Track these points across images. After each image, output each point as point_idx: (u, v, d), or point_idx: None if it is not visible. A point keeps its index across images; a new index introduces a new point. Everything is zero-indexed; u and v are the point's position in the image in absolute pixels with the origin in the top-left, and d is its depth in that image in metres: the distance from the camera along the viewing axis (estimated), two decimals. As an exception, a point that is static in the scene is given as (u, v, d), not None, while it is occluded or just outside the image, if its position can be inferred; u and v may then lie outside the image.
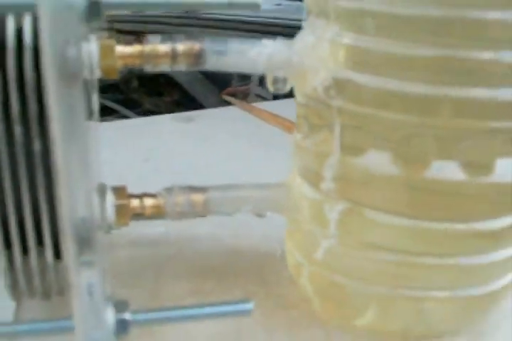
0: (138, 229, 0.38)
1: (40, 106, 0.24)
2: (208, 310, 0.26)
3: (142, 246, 0.37)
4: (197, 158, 0.51)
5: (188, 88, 1.13)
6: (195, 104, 1.02)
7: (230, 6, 0.22)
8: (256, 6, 0.22)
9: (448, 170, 0.25)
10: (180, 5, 0.22)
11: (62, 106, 0.20)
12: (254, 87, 0.95)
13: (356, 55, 0.26)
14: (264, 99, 0.90)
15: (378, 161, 0.26)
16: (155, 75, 1.22)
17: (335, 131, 0.27)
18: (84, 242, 0.23)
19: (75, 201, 0.22)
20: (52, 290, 0.28)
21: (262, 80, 0.96)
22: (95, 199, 0.26)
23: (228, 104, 0.73)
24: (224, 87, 1.00)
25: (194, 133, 0.58)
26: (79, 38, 0.22)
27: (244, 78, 1.02)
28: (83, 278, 0.23)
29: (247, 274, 0.35)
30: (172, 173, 0.47)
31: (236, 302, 0.26)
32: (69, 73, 0.21)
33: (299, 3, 1.05)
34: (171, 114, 0.63)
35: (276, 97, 0.89)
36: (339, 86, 0.26)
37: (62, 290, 0.28)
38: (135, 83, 1.25)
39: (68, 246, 0.22)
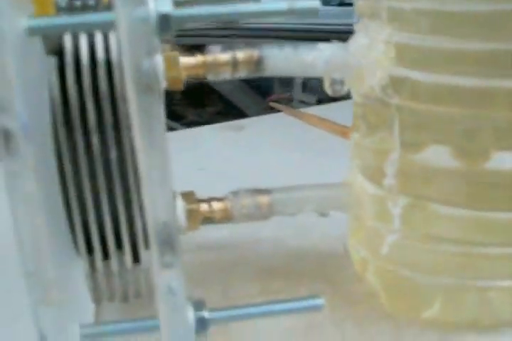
0: (202, 233, 0.40)
1: (114, 116, 0.25)
2: (280, 306, 0.27)
3: (208, 250, 0.38)
4: (250, 165, 0.52)
5: (230, 97, 1.14)
6: (239, 114, 1.04)
7: (290, 12, 0.23)
8: (315, 12, 0.23)
9: (508, 161, 0.26)
10: (243, 14, 0.23)
11: (143, 116, 0.22)
12: (297, 93, 0.96)
13: (410, 53, 0.27)
14: (307, 104, 0.92)
15: (439, 155, 0.27)
16: (198, 86, 1.24)
17: (394, 128, 0.27)
18: (167, 245, 0.24)
19: (157, 206, 0.23)
20: (131, 292, 0.29)
21: (304, 86, 0.98)
22: (175, 203, 0.27)
23: (273, 111, 0.74)
24: (266, 95, 1.02)
25: (245, 141, 0.59)
26: (153, 50, 0.23)
27: (287, 85, 1.03)
28: (166, 279, 0.24)
29: (312, 273, 0.35)
30: (228, 181, 0.48)
31: (307, 299, 0.27)
32: (146, 84, 0.22)
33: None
34: (221, 124, 0.64)
35: (320, 102, 0.90)
36: (396, 84, 0.27)
37: (140, 292, 0.30)
38: (178, 95, 1.27)
39: (152, 249, 0.23)
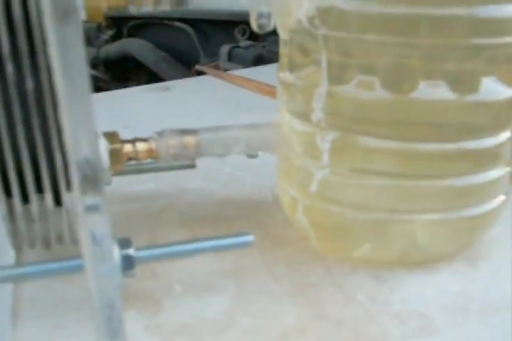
0: (128, 186, 0.39)
1: (30, 44, 0.24)
2: (210, 243, 0.26)
3: (134, 202, 0.37)
4: (175, 123, 0.51)
5: (155, 70, 1.12)
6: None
7: None
8: None
9: (435, 91, 0.26)
10: None
11: (60, 44, 0.20)
12: (223, 63, 0.95)
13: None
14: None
15: (366, 87, 0.26)
16: (121, 60, 1.21)
17: (321, 61, 0.27)
18: (90, 182, 0.22)
19: (79, 141, 0.22)
20: (52, 238, 0.28)
21: (230, 55, 0.97)
22: (99, 141, 0.26)
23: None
24: (192, 67, 1.00)
25: (171, 100, 0.58)
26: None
27: (213, 55, 1.02)
28: (90, 218, 0.23)
29: (242, 220, 0.35)
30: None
31: (236, 236, 0.26)
32: (63, 9, 0.21)
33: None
34: (146, 85, 0.63)
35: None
36: (323, 14, 0.26)
37: (62, 238, 0.28)
38: (101, 69, 1.24)
39: (74, 187, 0.22)
